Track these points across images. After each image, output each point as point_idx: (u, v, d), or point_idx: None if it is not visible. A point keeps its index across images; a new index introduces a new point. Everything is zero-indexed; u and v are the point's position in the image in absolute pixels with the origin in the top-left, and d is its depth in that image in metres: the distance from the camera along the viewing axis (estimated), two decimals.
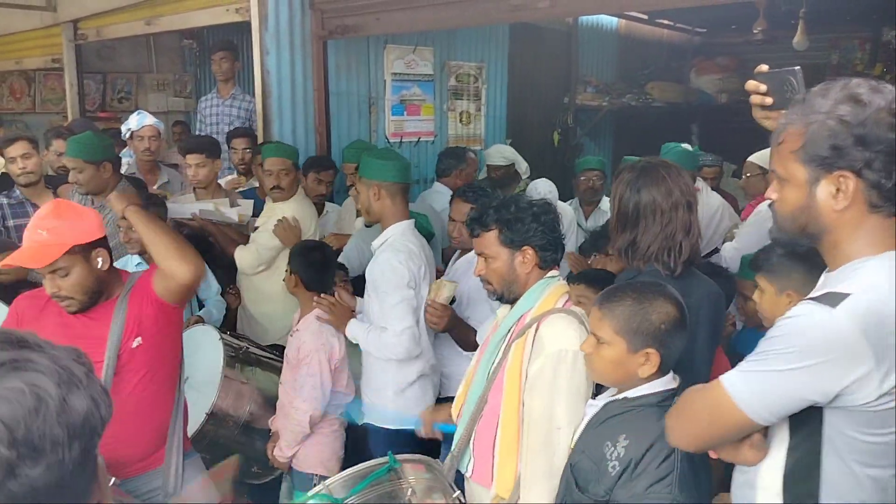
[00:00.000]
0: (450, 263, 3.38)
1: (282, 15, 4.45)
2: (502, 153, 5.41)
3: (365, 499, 1.98)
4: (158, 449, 2.32)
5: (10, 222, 3.94)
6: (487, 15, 3.96)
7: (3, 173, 4.58)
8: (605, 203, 4.78)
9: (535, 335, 2.04)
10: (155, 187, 4.71)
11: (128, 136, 4.93)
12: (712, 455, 1.61)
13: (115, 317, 2.20)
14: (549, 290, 2.13)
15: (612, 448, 1.75)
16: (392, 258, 2.82)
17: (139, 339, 2.21)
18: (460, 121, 6.24)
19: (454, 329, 2.92)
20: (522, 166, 5.50)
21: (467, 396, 2.22)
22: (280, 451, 2.99)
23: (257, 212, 4.08)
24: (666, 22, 8.50)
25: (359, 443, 3.10)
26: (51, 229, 2.10)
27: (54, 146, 4.69)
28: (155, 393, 2.29)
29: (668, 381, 1.82)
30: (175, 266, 2.19)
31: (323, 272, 3.11)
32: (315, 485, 2.98)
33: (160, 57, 8.61)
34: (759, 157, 4.43)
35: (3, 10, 6.94)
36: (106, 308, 2.22)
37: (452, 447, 2.20)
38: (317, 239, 3.81)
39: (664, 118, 8.44)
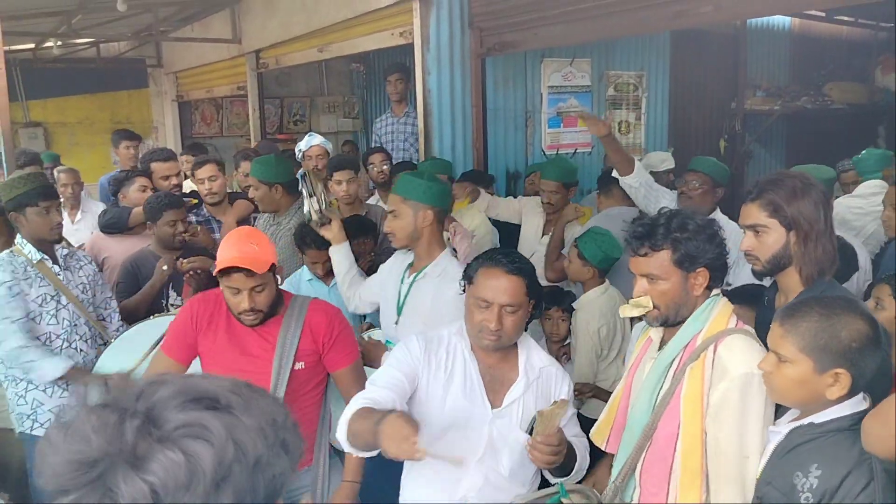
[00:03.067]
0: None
1: (442, 35, 4.61)
2: None
3: None
4: (308, 452, 2.49)
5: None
6: (647, 23, 3.87)
7: (192, 191, 5.08)
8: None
9: (713, 358, 1.90)
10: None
11: (300, 156, 5.30)
12: None
13: (284, 339, 2.35)
14: (718, 309, 1.98)
15: (804, 479, 1.63)
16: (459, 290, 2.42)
17: (302, 363, 2.39)
18: (619, 130, 6.12)
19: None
20: None
21: (627, 423, 2.10)
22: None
23: None
24: (846, 18, 7.91)
25: None
26: (259, 245, 2.28)
27: (242, 167, 5.17)
28: (314, 403, 2.47)
29: (859, 402, 1.68)
30: None
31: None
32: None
33: (330, 81, 9.20)
34: None
35: (197, 44, 7.74)
36: (271, 325, 2.38)
37: (614, 477, 2.09)
38: None
39: (844, 121, 7.86)
